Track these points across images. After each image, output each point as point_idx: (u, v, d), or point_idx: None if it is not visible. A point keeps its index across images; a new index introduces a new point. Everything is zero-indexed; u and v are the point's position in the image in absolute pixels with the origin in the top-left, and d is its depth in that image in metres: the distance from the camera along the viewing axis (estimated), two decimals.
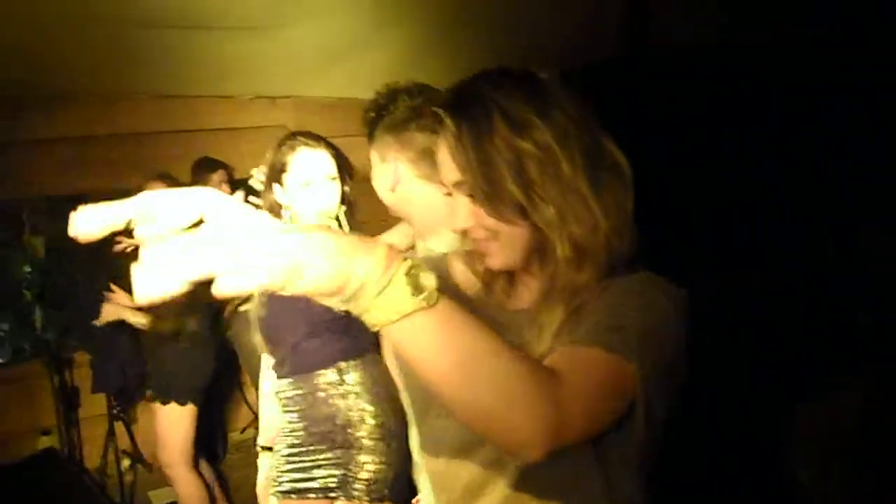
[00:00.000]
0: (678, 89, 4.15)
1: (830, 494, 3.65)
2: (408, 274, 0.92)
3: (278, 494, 2.48)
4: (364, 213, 2.63)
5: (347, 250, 0.90)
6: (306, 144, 2.48)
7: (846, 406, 3.63)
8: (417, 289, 0.92)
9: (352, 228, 2.50)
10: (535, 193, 1.22)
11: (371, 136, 2.01)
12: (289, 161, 2.44)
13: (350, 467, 2.38)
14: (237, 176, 4.05)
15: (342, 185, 2.51)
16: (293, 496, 2.45)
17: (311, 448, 2.44)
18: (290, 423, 2.51)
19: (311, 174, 2.44)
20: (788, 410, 3.89)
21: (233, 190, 3.75)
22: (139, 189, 3.02)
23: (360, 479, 2.37)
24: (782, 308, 4.32)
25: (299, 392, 2.48)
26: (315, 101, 4.55)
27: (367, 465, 2.37)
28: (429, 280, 0.93)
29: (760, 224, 4.40)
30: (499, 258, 1.31)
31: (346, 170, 2.55)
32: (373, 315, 0.92)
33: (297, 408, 2.49)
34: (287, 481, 2.45)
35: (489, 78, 1.34)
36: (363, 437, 2.39)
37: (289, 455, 2.48)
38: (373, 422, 2.39)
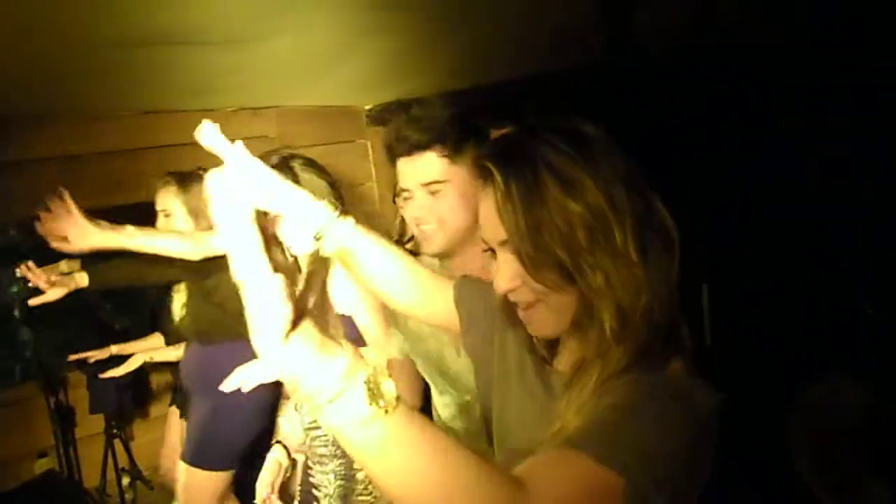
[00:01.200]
0: (664, 92, 4.17)
1: (832, 491, 3.68)
2: (367, 382, 0.90)
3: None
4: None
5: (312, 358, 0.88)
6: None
7: (850, 401, 3.66)
8: (375, 396, 0.89)
9: None
10: (585, 260, 1.16)
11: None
12: None
13: (347, 493, 2.38)
14: None
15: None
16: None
17: (314, 468, 2.46)
18: (316, 442, 2.52)
19: None
20: (791, 405, 3.92)
21: None
22: (151, 196, 3.07)
23: (359, 489, 2.38)
24: (784, 303, 4.35)
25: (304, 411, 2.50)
26: (298, 110, 4.55)
27: (363, 490, 2.38)
28: (389, 388, 0.90)
29: (757, 221, 4.43)
30: (546, 326, 1.26)
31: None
32: (328, 419, 0.90)
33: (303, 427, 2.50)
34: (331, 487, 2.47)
35: (536, 131, 1.25)
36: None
37: (317, 464, 2.49)
38: None
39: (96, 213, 2.95)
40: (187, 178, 3.05)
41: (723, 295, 4.36)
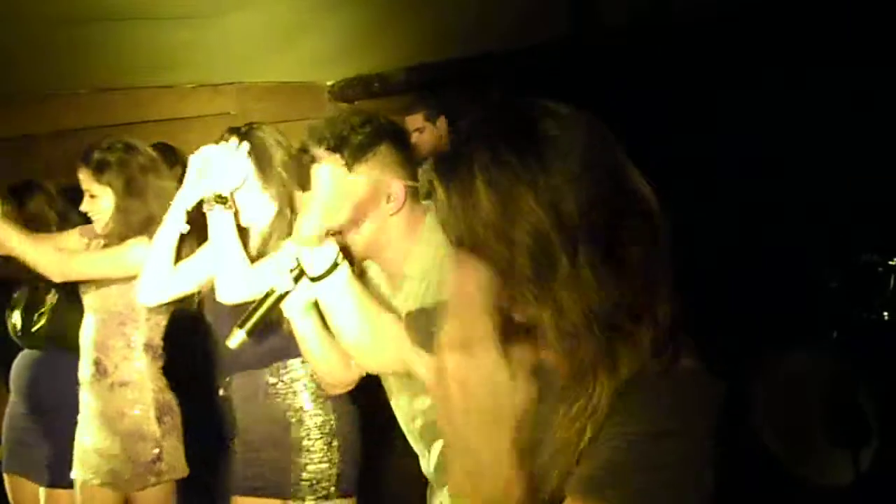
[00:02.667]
0: (629, 68, 4.19)
1: (793, 455, 3.76)
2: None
3: (237, 495, 2.47)
4: None
5: None
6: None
7: (810, 371, 3.73)
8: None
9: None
10: (528, 291, 1.03)
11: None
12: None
13: (291, 468, 2.37)
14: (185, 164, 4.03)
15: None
16: (249, 496, 2.44)
17: (259, 448, 2.44)
18: (239, 421, 2.50)
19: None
20: (755, 376, 3.99)
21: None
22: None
23: (302, 480, 2.36)
24: (749, 276, 4.41)
25: (242, 392, 2.47)
26: (257, 86, 4.51)
27: (308, 466, 2.36)
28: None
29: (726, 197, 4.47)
30: None
31: None
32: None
33: (242, 407, 2.47)
34: (242, 479, 2.45)
35: (476, 136, 1.09)
36: (302, 438, 2.37)
37: (243, 454, 2.47)
38: (311, 422, 2.38)
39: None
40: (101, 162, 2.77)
41: (688, 269, 4.41)
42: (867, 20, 3.83)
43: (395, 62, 4.13)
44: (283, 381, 2.41)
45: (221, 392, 2.58)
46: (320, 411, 2.38)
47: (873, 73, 3.93)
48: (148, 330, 2.75)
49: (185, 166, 2.94)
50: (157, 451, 2.69)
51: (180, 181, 2.95)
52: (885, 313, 3.72)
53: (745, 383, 4.01)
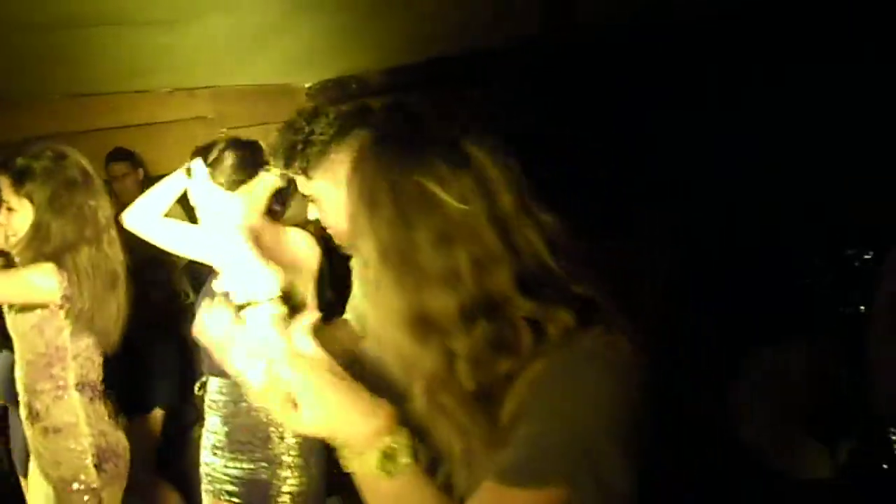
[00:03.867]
0: (602, 68, 4.21)
1: (772, 449, 3.79)
2: (384, 451, 1.06)
3: (209, 494, 2.48)
4: None
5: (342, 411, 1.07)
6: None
7: (791, 366, 3.76)
8: (387, 461, 1.06)
9: None
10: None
11: None
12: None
13: (273, 481, 2.38)
14: (162, 170, 4.01)
15: None
16: (220, 498, 2.45)
17: (233, 455, 2.43)
18: (212, 424, 2.50)
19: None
20: (738, 370, 4.02)
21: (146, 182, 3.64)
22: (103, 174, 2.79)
23: (283, 493, 2.38)
24: (732, 272, 4.44)
25: (223, 397, 2.46)
26: (234, 89, 4.50)
27: (290, 481, 2.38)
28: (403, 459, 1.07)
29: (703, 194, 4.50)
30: None
31: None
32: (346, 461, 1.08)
33: (220, 412, 2.46)
34: (221, 483, 2.45)
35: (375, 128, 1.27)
36: (283, 454, 2.39)
37: (222, 459, 2.47)
38: (293, 440, 2.39)
39: None
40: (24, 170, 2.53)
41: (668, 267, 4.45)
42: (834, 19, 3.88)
43: (372, 64, 4.14)
44: None
45: (197, 390, 2.57)
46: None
47: (849, 70, 3.98)
48: (79, 368, 2.47)
49: (146, 171, 2.93)
50: (92, 502, 2.46)
51: (141, 186, 2.92)
52: (862, 307, 3.76)
53: (726, 379, 4.05)
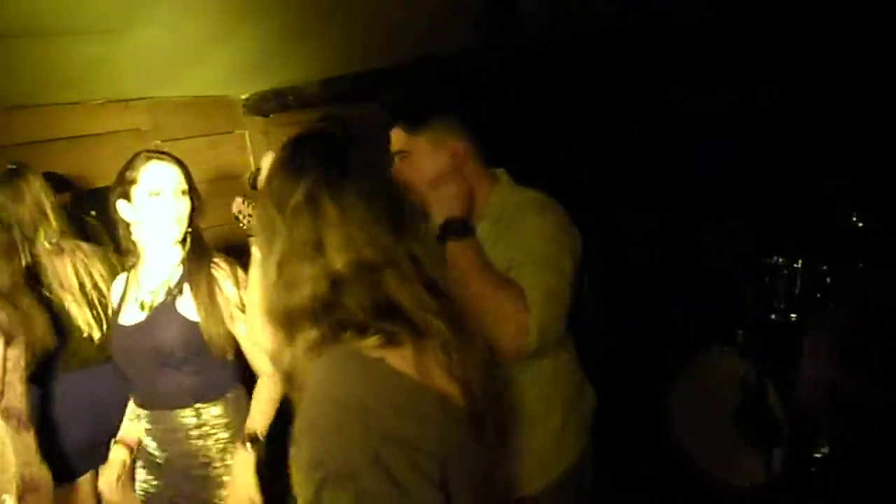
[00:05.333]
0: (544, 76, 4.26)
1: (707, 457, 3.85)
2: None
3: None
4: (209, 218, 2.63)
5: None
6: (157, 158, 2.44)
7: (724, 373, 3.83)
8: None
9: (194, 243, 2.46)
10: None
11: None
12: (139, 174, 2.39)
13: (212, 501, 2.38)
14: (97, 182, 3.96)
15: (192, 201, 2.48)
16: None
17: (172, 479, 2.43)
18: (150, 447, 2.49)
19: (160, 185, 2.40)
20: (671, 378, 4.09)
21: (76, 198, 3.60)
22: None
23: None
24: (665, 280, 4.52)
25: (158, 426, 2.44)
26: (170, 101, 4.46)
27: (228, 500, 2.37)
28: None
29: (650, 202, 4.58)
30: None
31: (193, 186, 2.51)
32: None
33: (157, 439, 2.45)
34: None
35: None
36: (223, 473, 2.38)
37: (151, 478, 2.47)
38: (231, 460, 2.38)
39: None
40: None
41: (608, 274, 4.51)
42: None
43: (308, 75, 4.14)
44: (197, 424, 2.39)
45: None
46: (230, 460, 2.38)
47: (793, 71, 4.09)
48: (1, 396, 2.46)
49: (74, 191, 2.87)
50: None
51: (68, 206, 2.86)
52: (792, 315, 3.86)
53: (660, 385, 4.12)
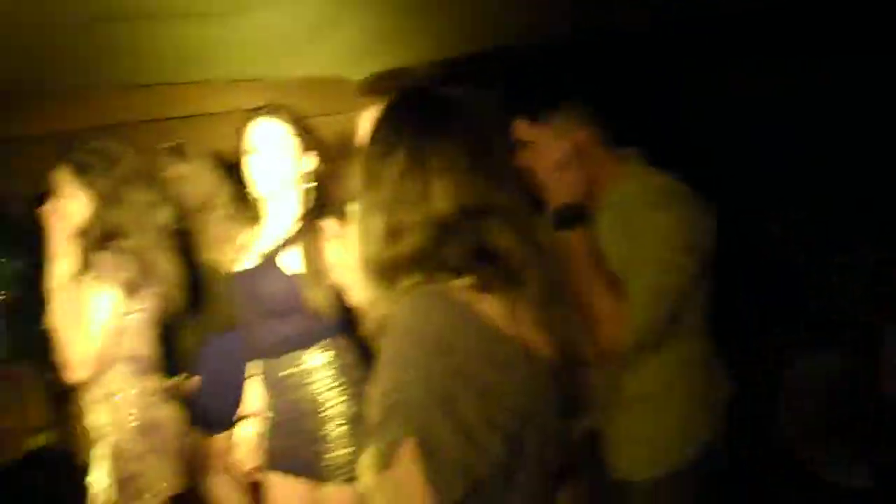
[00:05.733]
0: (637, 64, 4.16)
1: (806, 446, 3.78)
2: None
3: (265, 469, 2.52)
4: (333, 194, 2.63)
5: None
6: (262, 115, 2.50)
7: (826, 370, 3.74)
8: None
9: (314, 210, 2.49)
10: None
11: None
12: (244, 132, 2.47)
13: (318, 453, 2.41)
14: (213, 160, 4.05)
15: (301, 160, 2.52)
16: (275, 472, 2.49)
17: (285, 429, 2.49)
18: (261, 396, 2.58)
19: (256, 143, 2.45)
20: (777, 374, 3.99)
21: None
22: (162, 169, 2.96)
23: (330, 462, 2.41)
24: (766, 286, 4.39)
25: (265, 374, 2.52)
26: (286, 82, 4.50)
27: (334, 451, 2.41)
28: None
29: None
30: None
31: (309, 145, 2.54)
32: None
33: (269, 390, 2.52)
34: (274, 459, 2.50)
35: None
36: (329, 423, 2.42)
37: (274, 435, 2.52)
38: (336, 408, 2.41)
39: None
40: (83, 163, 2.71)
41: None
42: None
43: (421, 56, 4.11)
44: (300, 371, 2.45)
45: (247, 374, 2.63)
46: (339, 400, 2.42)
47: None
48: (128, 341, 2.75)
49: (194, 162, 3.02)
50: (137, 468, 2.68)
51: (192, 178, 3.01)
52: (866, 316, 3.72)
53: (769, 386, 4.02)
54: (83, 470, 4.06)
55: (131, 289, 2.63)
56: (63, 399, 4.20)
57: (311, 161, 2.55)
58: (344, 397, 2.42)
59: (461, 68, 4.10)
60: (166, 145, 3.07)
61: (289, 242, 2.48)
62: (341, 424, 2.41)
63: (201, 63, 3.82)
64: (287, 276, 2.42)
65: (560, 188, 2.08)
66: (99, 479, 2.70)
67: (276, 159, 2.50)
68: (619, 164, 2.19)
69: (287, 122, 2.55)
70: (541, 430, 1.29)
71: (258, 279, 2.47)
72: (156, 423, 2.68)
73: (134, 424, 2.64)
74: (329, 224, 2.49)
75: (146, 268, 2.66)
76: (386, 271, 1.33)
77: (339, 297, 2.45)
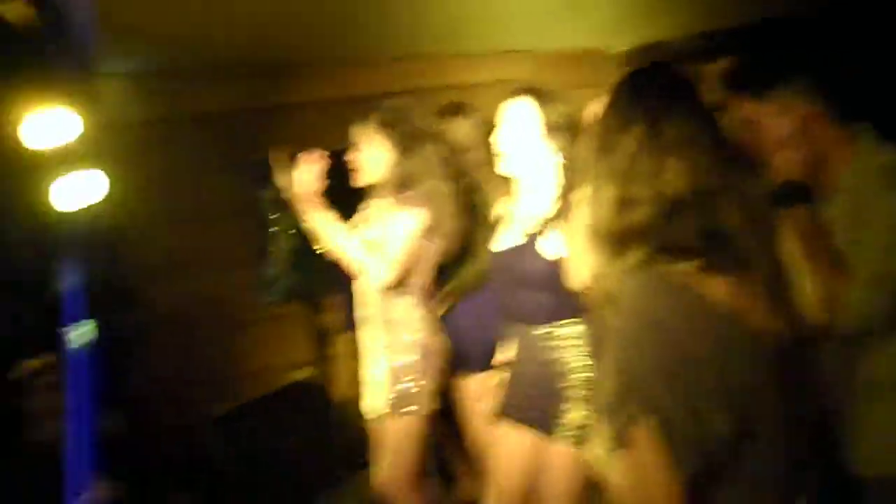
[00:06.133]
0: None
1: None
2: None
3: (500, 417, 2.72)
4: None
5: None
6: (515, 94, 2.60)
7: None
8: None
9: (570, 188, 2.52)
10: None
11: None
12: (499, 110, 2.59)
13: (555, 409, 2.52)
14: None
15: (552, 141, 2.58)
16: (509, 420, 2.67)
17: (527, 383, 2.64)
18: (516, 359, 2.71)
19: (500, 117, 2.57)
20: None
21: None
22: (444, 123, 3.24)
23: (566, 425, 2.48)
24: None
25: (517, 339, 2.62)
26: (552, 53, 4.54)
27: (573, 413, 2.47)
28: None
29: None
30: None
31: (562, 125, 2.59)
32: None
33: (521, 350, 2.62)
34: (511, 407, 2.66)
35: None
36: (571, 388, 2.53)
37: (512, 384, 2.69)
38: (580, 375, 2.49)
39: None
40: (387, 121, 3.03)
41: None
42: None
43: (682, 29, 4.03)
44: (552, 339, 2.53)
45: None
46: (583, 371, 2.48)
47: None
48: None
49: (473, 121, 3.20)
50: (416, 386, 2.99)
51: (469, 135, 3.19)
52: None
53: None
54: (335, 403, 4.42)
55: (425, 226, 2.93)
56: (324, 339, 4.59)
57: (564, 140, 2.58)
58: (589, 372, 2.47)
59: (720, 41, 3.98)
60: (451, 103, 3.25)
61: (549, 223, 2.56)
62: (581, 391, 2.48)
63: (469, 35, 3.93)
64: (547, 259, 2.51)
65: (783, 166, 1.99)
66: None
67: (523, 138, 2.58)
68: (848, 141, 2.06)
69: (540, 101, 2.61)
70: (770, 412, 1.29)
71: (519, 257, 2.62)
72: (431, 349, 3.01)
73: (415, 349, 2.98)
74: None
75: (433, 212, 2.94)
76: (614, 242, 1.35)
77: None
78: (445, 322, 3.18)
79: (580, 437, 2.47)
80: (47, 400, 3.23)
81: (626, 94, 1.44)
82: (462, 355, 3.20)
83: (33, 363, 3.37)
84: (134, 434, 3.66)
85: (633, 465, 1.21)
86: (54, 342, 2.64)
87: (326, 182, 2.98)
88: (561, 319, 2.55)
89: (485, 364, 3.10)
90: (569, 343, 2.54)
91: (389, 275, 2.89)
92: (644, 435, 1.18)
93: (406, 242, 2.90)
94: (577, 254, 2.18)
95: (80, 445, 2.46)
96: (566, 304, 2.48)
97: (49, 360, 3.30)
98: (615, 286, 1.33)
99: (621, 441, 1.22)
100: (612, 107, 1.44)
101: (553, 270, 2.47)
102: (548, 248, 2.53)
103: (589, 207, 1.41)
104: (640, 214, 1.32)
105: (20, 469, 3.05)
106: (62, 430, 2.55)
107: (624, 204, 1.34)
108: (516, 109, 2.60)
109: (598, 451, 1.29)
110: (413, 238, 2.91)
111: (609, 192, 1.36)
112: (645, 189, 1.33)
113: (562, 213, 2.51)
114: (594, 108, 2.05)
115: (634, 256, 1.32)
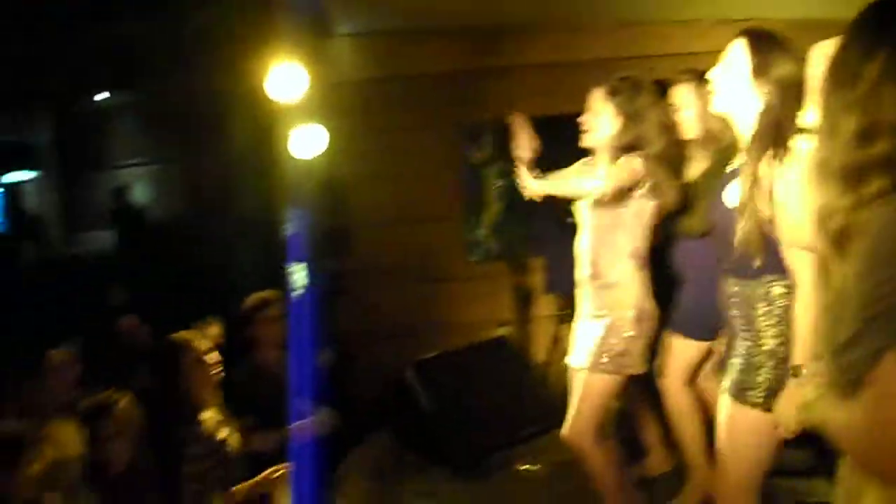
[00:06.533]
0: None
1: None
2: None
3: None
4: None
5: None
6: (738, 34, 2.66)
7: None
8: None
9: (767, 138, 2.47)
10: None
11: None
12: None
13: (749, 375, 2.47)
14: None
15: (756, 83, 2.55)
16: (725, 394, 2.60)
17: (731, 351, 2.60)
18: (731, 323, 2.65)
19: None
20: None
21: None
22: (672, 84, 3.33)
23: (756, 388, 2.44)
24: None
25: (735, 291, 2.58)
26: (775, 23, 4.37)
27: (763, 378, 2.45)
28: None
29: None
30: None
31: (769, 71, 2.56)
32: None
33: (733, 308, 2.59)
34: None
35: None
36: (757, 350, 2.48)
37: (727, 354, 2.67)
38: (772, 342, 2.45)
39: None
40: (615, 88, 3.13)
41: None
42: None
43: None
44: (746, 296, 2.51)
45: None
46: (773, 336, 2.44)
47: None
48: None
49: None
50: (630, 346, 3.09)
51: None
52: None
53: None
54: (531, 363, 4.54)
55: (651, 187, 3.06)
56: (527, 299, 4.71)
57: (775, 91, 2.52)
58: (780, 339, 2.42)
59: None
60: (683, 70, 3.31)
61: (732, 175, 2.53)
62: (767, 353, 2.44)
63: (692, 3, 3.87)
64: (728, 209, 2.49)
65: None
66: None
67: (733, 78, 2.57)
68: None
69: (758, 44, 2.62)
70: None
71: (713, 208, 2.63)
72: (646, 313, 3.10)
73: (631, 312, 3.08)
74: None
75: (653, 176, 3.06)
76: (851, 175, 1.30)
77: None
78: (667, 288, 3.23)
79: (755, 400, 2.44)
80: (272, 330, 3.59)
81: (871, 22, 1.38)
82: (680, 322, 3.25)
83: (261, 295, 3.76)
84: (344, 370, 3.95)
85: (876, 404, 1.17)
86: (281, 280, 2.86)
87: (541, 145, 3.11)
88: (756, 278, 2.50)
89: (702, 333, 3.21)
90: (761, 304, 2.50)
91: (607, 187, 3.02)
92: (891, 368, 1.14)
93: (625, 172, 3.05)
94: (797, 200, 2.10)
95: (301, 374, 2.67)
96: (781, 263, 2.43)
97: (275, 294, 3.66)
98: (849, 221, 1.29)
99: (858, 382, 1.18)
100: (854, 37, 1.40)
101: (730, 225, 2.47)
102: (728, 201, 2.53)
103: (820, 144, 1.37)
104: (882, 145, 1.27)
105: (252, 384, 3.43)
106: (285, 359, 2.78)
107: (864, 135, 1.29)
108: (732, 48, 2.61)
109: (816, 399, 1.27)
110: (632, 173, 3.04)
111: (847, 123, 1.31)
112: (889, 117, 1.27)
113: (748, 166, 2.46)
114: (823, 48, 1.96)
115: (876, 187, 1.27)
